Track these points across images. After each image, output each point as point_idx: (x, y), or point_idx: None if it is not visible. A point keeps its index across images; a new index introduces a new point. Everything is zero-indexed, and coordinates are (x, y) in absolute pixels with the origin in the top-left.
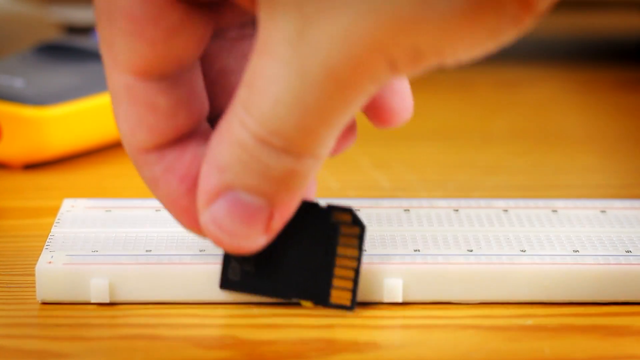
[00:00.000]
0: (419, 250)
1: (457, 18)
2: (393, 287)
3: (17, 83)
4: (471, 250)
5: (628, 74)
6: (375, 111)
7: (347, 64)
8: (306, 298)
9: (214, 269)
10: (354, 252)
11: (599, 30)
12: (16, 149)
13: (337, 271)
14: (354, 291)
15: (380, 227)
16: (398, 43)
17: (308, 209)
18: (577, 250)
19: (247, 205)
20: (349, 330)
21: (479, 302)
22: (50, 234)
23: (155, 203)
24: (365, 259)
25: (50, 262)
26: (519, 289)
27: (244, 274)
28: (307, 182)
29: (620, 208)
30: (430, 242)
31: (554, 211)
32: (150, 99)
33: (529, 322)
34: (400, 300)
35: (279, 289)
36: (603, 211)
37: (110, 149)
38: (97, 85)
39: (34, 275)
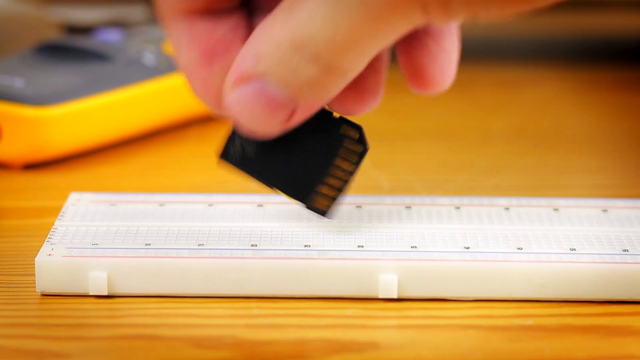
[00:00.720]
0: (415, 247)
1: None
2: (388, 283)
3: (17, 83)
4: (468, 248)
5: (628, 74)
6: (414, 75)
7: None
8: (290, 194)
9: (212, 263)
10: (350, 167)
11: (599, 30)
12: (16, 149)
13: (328, 179)
14: (334, 200)
15: (381, 224)
16: None
17: (322, 115)
18: (574, 249)
19: (272, 97)
20: (349, 330)
21: (474, 299)
22: (53, 227)
23: (159, 197)
24: (361, 255)
25: (50, 255)
26: (514, 287)
27: (243, 154)
28: (331, 93)
29: (622, 207)
30: (428, 239)
31: (556, 210)
32: None
33: (529, 322)
34: (395, 296)
35: (269, 178)
36: (605, 210)
37: (111, 149)
38: (97, 85)
39: (33, 275)
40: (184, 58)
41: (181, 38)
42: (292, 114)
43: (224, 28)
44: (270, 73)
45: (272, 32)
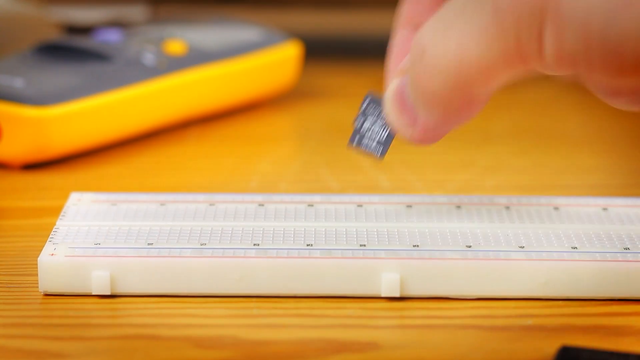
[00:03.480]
0: (417, 246)
1: None
2: (390, 282)
3: (17, 83)
4: (470, 246)
5: None
6: None
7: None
8: None
9: (215, 262)
10: None
11: None
12: (16, 149)
13: None
14: None
15: (382, 223)
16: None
17: None
18: (575, 247)
19: (405, 96)
20: (349, 330)
21: (476, 297)
22: (55, 227)
23: (160, 197)
24: (364, 254)
25: (52, 254)
26: (516, 285)
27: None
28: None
29: (622, 206)
30: (430, 237)
31: (556, 208)
32: None
33: (529, 322)
34: (397, 294)
35: None
36: (605, 209)
37: (111, 149)
38: (97, 85)
39: (34, 275)
40: (389, 61)
41: (395, 45)
42: (413, 122)
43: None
44: (409, 72)
45: (421, 34)
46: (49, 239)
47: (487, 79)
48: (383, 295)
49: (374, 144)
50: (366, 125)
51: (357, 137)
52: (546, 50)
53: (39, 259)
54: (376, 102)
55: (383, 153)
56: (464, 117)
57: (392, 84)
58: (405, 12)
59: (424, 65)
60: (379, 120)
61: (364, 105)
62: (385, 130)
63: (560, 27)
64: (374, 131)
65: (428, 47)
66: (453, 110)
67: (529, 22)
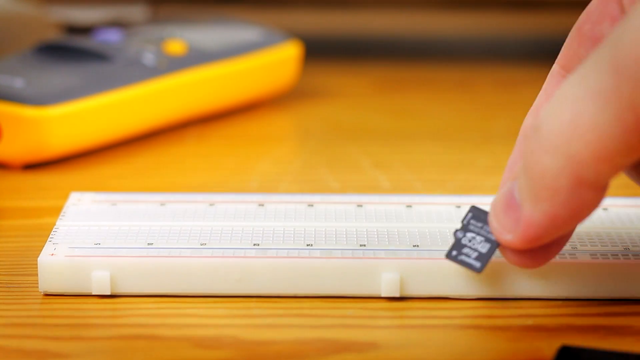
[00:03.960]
0: (417, 246)
1: None
2: (390, 282)
3: (17, 83)
4: None
5: None
6: None
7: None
8: None
9: (215, 262)
10: None
11: None
12: (16, 149)
13: None
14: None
15: (382, 223)
16: None
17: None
18: (576, 247)
19: (512, 193)
20: (349, 330)
21: (476, 297)
22: (55, 227)
23: (160, 197)
24: (364, 254)
25: (52, 255)
26: (516, 285)
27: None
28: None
29: (622, 206)
30: (430, 237)
31: None
32: None
33: (529, 322)
34: (397, 294)
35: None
36: (605, 209)
37: (111, 149)
38: (97, 85)
39: (34, 275)
40: (535, 102)
41: (545, 88)
42: (516, 222)
43: None
44: (522, 158)
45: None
46: (49, 239)
47: (600, 156)
48: (383, 295)
49: (473, 257)
50: (467, 237)
51: (457, 249)
52: None
53: (39, 259)
54: (479, 215)
55: (482, 267)
56: (573, 213)
57: (503, 189)
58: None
59: (536, 141)
60: (481, 233)
61: (467, 218)
62: (486, 243)
63: None
64: (474, 244)
65: (543, 123)
66: (561, 201)
67: None
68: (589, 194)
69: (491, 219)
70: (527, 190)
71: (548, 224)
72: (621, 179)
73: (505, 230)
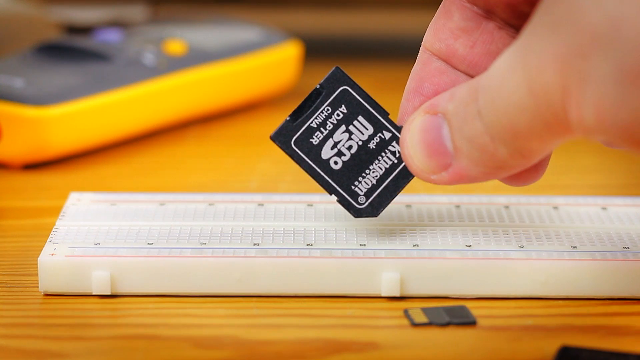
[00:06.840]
0: (417, 246)
1: None
2: (391, 282)
3: (17, 83)
4: (470, 246)
5: None
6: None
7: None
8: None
9: (216, 262)
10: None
11: None
12: (16, 149)
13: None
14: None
15: (382, 222)
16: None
17: None
18: (575, 247)
19: (438, 138)
20: (349, 330)
21: (476, 296)
22: (55, 227)
23: (160, 197)
24: (364, 254)
25: (52, 255)
26: (516, 284)
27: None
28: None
29: (621, 205)
30: (430, 237)
31: (555, 208)
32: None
33: (529, 322)
34: (398, 294)
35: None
36: (604, 208)
37: (110, 148)
38: (97, 85)
39: (34, 275)
40: (409, 84)
41: (415, 67)
42: (444, 167)
43: (454, 75)
44: (448, 115)
45: (471, 82)
46: (49, 239)
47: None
48: (383, 294)
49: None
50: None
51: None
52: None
53: (39, 259)
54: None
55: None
56: (506, 170)
57: (416, 122)
58: (429, 36)
59: (483, 105)
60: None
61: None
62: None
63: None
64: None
65: (483, 89)
66: (502, 159)
67: (556, 99)
68: (523, 159)
69: (408, 155)
70: (465, 144)
71: (481, 173)
72: (621, 179)
73: (429, 172)
